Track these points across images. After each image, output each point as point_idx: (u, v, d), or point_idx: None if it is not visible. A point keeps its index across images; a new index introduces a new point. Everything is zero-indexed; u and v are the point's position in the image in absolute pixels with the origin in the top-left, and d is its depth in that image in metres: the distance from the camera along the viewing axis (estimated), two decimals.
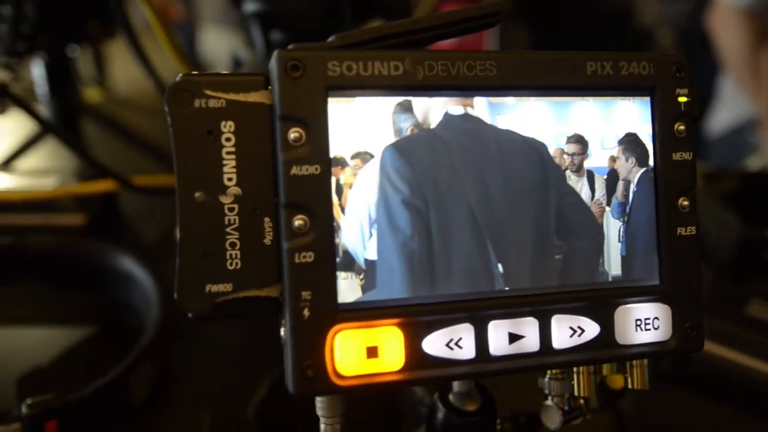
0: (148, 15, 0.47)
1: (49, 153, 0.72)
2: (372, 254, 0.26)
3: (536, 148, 0.27)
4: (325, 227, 0.25)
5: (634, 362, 0.30)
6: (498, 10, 0.28)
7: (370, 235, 0.26)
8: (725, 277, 0.59)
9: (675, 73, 0.29)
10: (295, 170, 0.25)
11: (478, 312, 0.27)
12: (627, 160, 0.29)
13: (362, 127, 0.26)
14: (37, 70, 0.68)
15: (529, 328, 0.27)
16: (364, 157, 0.26)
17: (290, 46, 0.26)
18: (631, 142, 0.29)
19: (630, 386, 0.30)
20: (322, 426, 0.28)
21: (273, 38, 0.53)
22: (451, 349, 0.26)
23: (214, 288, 0.25)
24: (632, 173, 0.29)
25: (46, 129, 0.54)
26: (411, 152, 0.26)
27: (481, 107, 0.27)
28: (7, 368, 0.46)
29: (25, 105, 0.48)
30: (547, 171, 0.28)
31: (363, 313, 0.26)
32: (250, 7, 0.53)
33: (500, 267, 0.27)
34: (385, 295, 0.26)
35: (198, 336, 0.50)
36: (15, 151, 0.62)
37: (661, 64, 0.28)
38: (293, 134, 0.25)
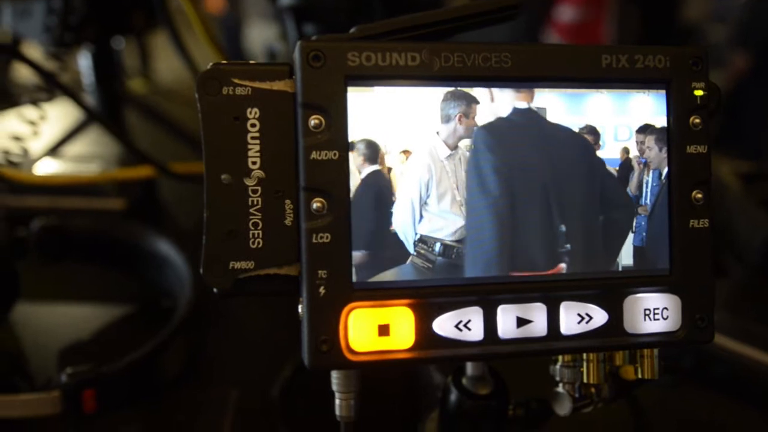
0: (186, 7, 0.49)
1: (94, 140, 0.75)
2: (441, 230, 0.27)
3: (583, 140, 0.28)
4: (341, 210, 0.26)
5: (645, 352, 0.31)
6: (515, 3, 0.29)
7: (421, 217, 0.27)
8: (756, 276, 0.58)
9: (691, 67, 0.29)
10: (314, 155, 0.26)
11: (487, 296, 0.27)
12: (640, 152, 0.29)
13: (408, 116, 0.27)
14: (83, 61, 0.71)
15: (537, 313, 0.28)
16: (405, 149, 0.27)
17: (313, 37, 0.27)
18: (644, 135, 0.29)
19: (639, 376, 0.31)
20: (337, 401, 0.30)
21: (306, 31, 0.55)
22: (460, 330, 0.27)
23: (237, 265, 0.27)
24: (645, 165, 0.29)
25: (90, 117, 0.56)
26: (498, 132, 0.28)
27: (540, 102, 0.28)
28: (50, 340, 0.49)
29: (72, 93, 0.51)
30: (593, 161, 0.29)
31: (376, 292, 0.27)
32: (284, 0, 0.55)
33: (568, 246, 0.28)
34: (479, 255, 0.27)
35: (229, 318, 0.53)
36: (62, 138, 0.66)
37: (677, 58, 0.29)
38: (314, 121, 0.26)
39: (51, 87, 0.51)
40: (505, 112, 0.28)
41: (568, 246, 0.28)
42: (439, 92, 0.27)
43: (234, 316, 0.53)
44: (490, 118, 0.28)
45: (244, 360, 0.49)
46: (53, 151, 0.67)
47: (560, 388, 0.32)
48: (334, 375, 0.29)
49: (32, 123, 0.54)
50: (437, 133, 0.28)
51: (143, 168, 0.59)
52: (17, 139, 0.53)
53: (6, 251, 0.48)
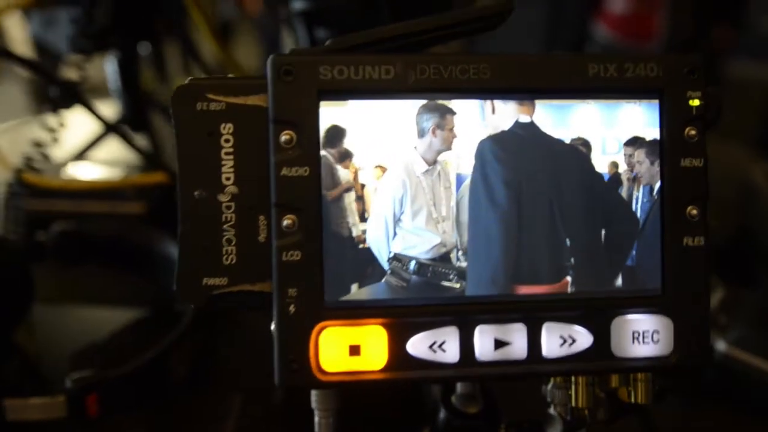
0: (193, 13, 0.49)
1: (120, 145, 0.77)
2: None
3: (581, 154, 0.27)
4: (312, 227, 0.26)
5: (638, 376, 0.29)
6: (501, 11, 0.28)
7: (395, 234, 0.27)
8: None
9: (687, 75, 0.27)
10: (285, 171, 0.26)
11: (465, 316, 0.27)
12: (629, 166, 0.28)
13: (383, 130, 0.27)
14: (110, 67, 0.73)
15: (516, 334, 0.27)
16: (380, 164, 0.27)
17: (288, 51, 0.27)
18: (634, 148, 0.28)
19: (632, 400, 0.29)
20: (315, 419, 0.29)
21: (318, 36, 0.55)
22: (434, 351, 0.26)
23: (211, 281, 0.27)
24: (635, 180, 0.28)
25: (106, 126, 0.58)
26: (504, 144, 0.27)
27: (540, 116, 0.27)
28: (65, 343, 0.50)
29: (87, 103, 0.52)
30: (593, 176, 0.28)
31: (349, 311, 0.26)
32: (296, 5, 0.55)
33: (572, 261, 0.27)
34: (481, 269, 0.27)
35: (238, 324, 0.53)
36: (84, 147, 0.67)
37: (670, 66, 0.27)
38: (284, 137, 0.26)
39: (68, 96, 0.53)
40: (507, 125, 0.27)
41: (573, 260, 0.27)
42: (415, 106, 0.27)
43: (243, 322, 0.53)
44: (491, 131, 0.27)
45: (250, 366, 0.49)
46: (80, 156, 0.69)
47: (552, 410, 0.31)
48: (313, 393, 0.29)
49: (52, 130, 0.55)
50: (415, 147, 0.27)
51: (162, 173, 0.60)
52: (38, 145, 0.55)
53: (23, 255, 0.50)
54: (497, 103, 0.27)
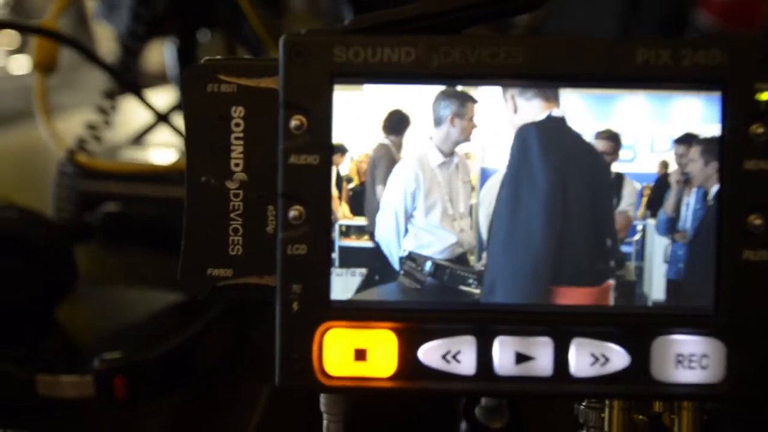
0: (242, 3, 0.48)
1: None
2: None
3: (600, 157, 0.24)
4: (321, 220, 0.24)
5: (684, 404, 0.26)
6: None
7: (406, 231, 0.25)
8: None
9: (757, 64, 0.24)
10: (293, 159, 0.24)
11: (484, 325, 0.24)
12: (683, 166, 0.24)
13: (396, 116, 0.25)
14: (168, 53, 0.74)
15: (541, 349, 0.24)
16: (385, 150, 0.25)
17: (302, 31, 0.25)
18: (687, 146, 0.24)
19: (676, 430, 0.26)
20: (324, 422, 0.28)
21: None
22: (448, 362, 0.24)
23: (215, 272, 0.25)
24: (686, 183, 0.24)
25: (157, 115, 0.58)
26: (545, 132, 0.25)
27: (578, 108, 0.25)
28: (104, 323, 0.51)
29: (136, 90, 0.52)
30: (608, 180, 0.25)
31: (357, 312, 0.24)
32: None
33: (613, 263, 0.25)
34: (513, 269, 0.25)
35: (273, 312, 0.52)
36: (139, 132, 0.68)
37: (738, 53, 0.23)
38: (294, 122, 0.24)
39: (119, 83, 0.53)
40: (540, 117, 0.24)
41: (612, 263, 0.24)
42: (434, 91, 0.24)
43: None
44: (523, 120, 0.24)
45: None
46: (135, 141, 0.70)
47: None
48: (322, 396, 0.27)
49: (104, 113, 0.56)
50: (430, 138, 0.25)
51: None
52: (91, 127, 0.56)
53: (69, 235, 0.51)
54: (519, 100, 0.24)
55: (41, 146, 0.74)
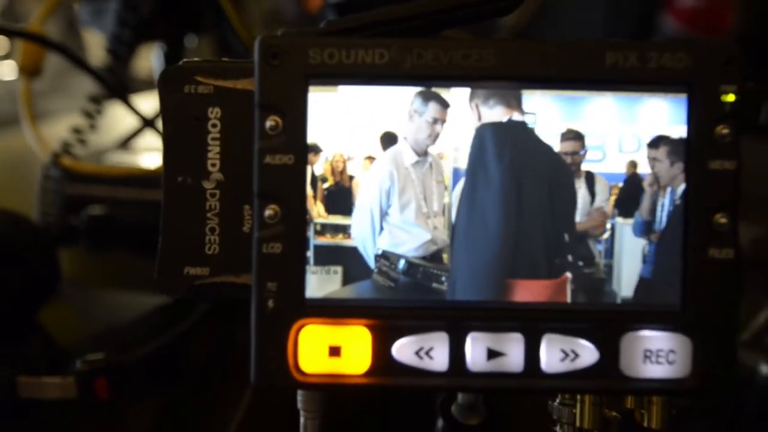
0: (224, 5, 0.49)
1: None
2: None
3: (561, 160, 0.25)
4: (295, 219, 0.25)
5: (653, 398, 0.26)
6: None
7: (381, 229, 0.25)
8: None
9: (721, 67, 0.24)
10: (269, 159, 0.25)
11: (456, 322, 0.25)
12: (652, 166, 0.25)
13: (374, 118, 0.25)
14: (155, 58, 0.74)
15: (512, 345, 0.24)
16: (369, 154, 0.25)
17: (278, 33, 0.25)
18: (658, 146, 0.25)
19: (645, 425, 0.27)
20: (301, 420, 0.28)
21: None
22: (421, 358, 0.24)
23: (192, 271, 0.26)
24: (656, 182, 0.25)
25: (142, 120, 0.58)
26: (503, 132, 0.25)
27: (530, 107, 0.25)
28: (87, 325, 0.51)
29: (121, 94, 0.53)
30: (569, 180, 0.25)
31: (331, 310, 0.25)
32: None
33: (570, 258, 0.25)
34: (473, 262, 0.25)
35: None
36: (124, 137, 0.68)
37: (702, 55, 0.24)
38: (270, 122, 0.25)
39: (105, 87, 0.53)
40: (503, 119, 0.25)
41: (570, 257, 0.25)
42: (409, 93, 0.25)
43: None
44: (482, 122, 0.25)
45: None
46: (121, 145, 0.70)
47: (558, 429, 0.29)
48: (299, 393, 0.28)
49: (90, 117, 0.56)
50: (405, 138, 0.25)
51: None
52: (76, 131, 0.56)
53: (53, 238, 0.51)
54: (482, 108, 0.25)
55: (27, 151, 0.74)
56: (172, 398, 0.44)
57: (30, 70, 0.57)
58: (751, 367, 0.41)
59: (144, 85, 0.95)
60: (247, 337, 0.52)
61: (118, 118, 0.77)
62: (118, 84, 0.57)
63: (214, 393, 0.45)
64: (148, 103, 0.77)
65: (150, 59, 0.85)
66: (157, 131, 0.59)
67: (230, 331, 0.51)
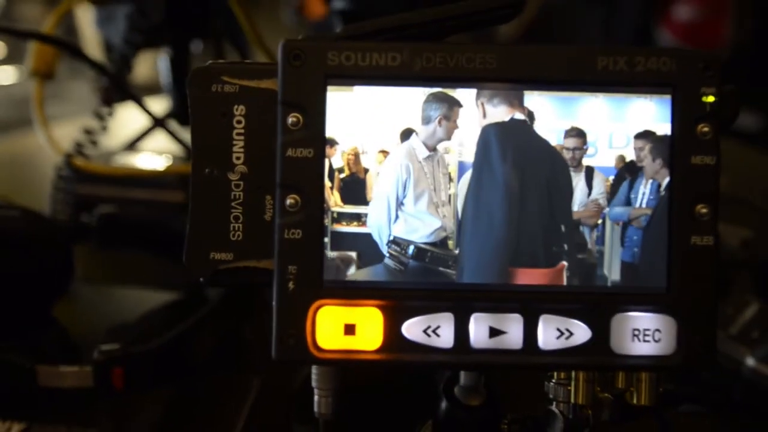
0: (236, 11, 0.51)
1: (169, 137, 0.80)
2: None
3: (558, 156, 0.27)
4: (314, 207, 0.27)
5: (641, 376, 0.29)
6: (513, 3, 0.28)
7: (396, 217, 0.27)
8: None
9: (701, 71, 0.27)
10: (290, 152, 0.27)
11: (461, 303, 0.27)
12: (638, 160, 0.27)
13: (388, 116, 0.27)
14: (162, 63, 0.76)
15: (512, 324, 0.27)
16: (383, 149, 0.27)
17: (300, 37, 0.28)
18: (644, 142, 0.27)
19: (634, 402, 0.29)
20: (315, 397, 0.30)
21: None
22: (429, 336, 0.27)
23: (218, 256, 0.28)
24: (642, 175, 0.27)
25: (156, 122, 0.60)
26: (505, 132, 0.28)
27: (529, 106, 0.28)
28: (100, 319, 0.53)
29: (137, 98, 0.55)
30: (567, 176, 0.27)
31: (346, 291, 0.27)
32: (337, 4, 0.56)
33: (566, 247, 0.27)
34: (478, 252, 0.27)
35: (266, 307, 0.54)
36: (134, 138, 0.70)
37: (684, 61, 0.27)
38: (291, 119, 0.27)
39: (118, 89, 0.55)
40: (505, 119, 0.27)
41: (566, 246, 0.27)
42: (420, 93, 0.27)
43: (270, 307, 0.54)
44: (488, 122, 0.27)
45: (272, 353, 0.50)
46: (130, 146, 0.72)
47: (554, 408, 0.31)
48: (314, 371, 0.30)
49: (101, 118, 0.58)
50: (416, 134, 0.27)
51: None
52: (88, 132, 0.58)
53: (67, 235, 0.53)
54: (487, 106, 0.27)
55: (30, 154, 0.76)
56: (183, 388, 0.46)
57: (43, 73, 0.59)
58: (738, 360, 0.43)
59: (142, 91, 0.98)
60: (254, 332, 0.54)
61: (122, 122, 0.79)
62: (127, 87, 0.59)
63: (223, 383, 0.47)
64: (151, 107, 0.79)
65: (147, 66, 0.87)
66: (167, 132, 0.61)
67: (238, 326, 0.53)
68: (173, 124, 0.69)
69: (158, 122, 0.60)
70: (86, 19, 0.97)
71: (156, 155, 0.73)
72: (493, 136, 0.27)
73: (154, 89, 0.81)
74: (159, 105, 0.82)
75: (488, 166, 0.27)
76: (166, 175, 0.65)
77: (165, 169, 0.65)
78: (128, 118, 0.76)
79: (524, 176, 0.27)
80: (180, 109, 0.77)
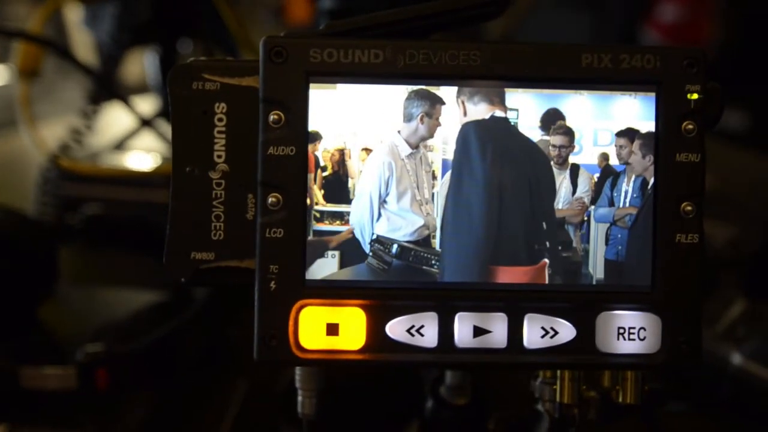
0: (222, 9, 0.51)
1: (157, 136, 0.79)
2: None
3: (541, 153, 0.27)
4: (296, 206, 0.26)
5: (627, 374, 0.28)
6: (497, 0, 0.28)
7: (379, 215, 0.27)
8: None
9: (686, 68, 0.27)
10: (272, 150, 0.26)
11: (445, 302, 0.27)
12: (619, 158, 0.27)
13: (370, 113, 0.27)
14: (149, 62, 0.76)
15: (497, 323, 0.26)
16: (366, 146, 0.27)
17: (281, 33, 0.27)
18: (627, 139, 0.27)
19: (619, 400, 0.29)
20: (299, 397, 0.30)
21: None
22: (412, 335, 0.26)
23: (198, 255, 0.27)
24: (627, 173, 0.27)
25: (140, 121, 0.60)
26: (485, 129, 0.27)
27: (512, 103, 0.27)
28: (85, 320, 0.52)
29: (123, 98, 0.54)
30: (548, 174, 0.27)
31: (328, 291, 0.27)
32: (324, 4, 0.56)
33: (548, 244, 0.27)
34: (459, 249, 0.27)
35: (250, 310, 0.54)
36: (121, 138, 0.70)
37: (669, 58, 0.26)
38: (273, 116, 0.26)
39: (103, 89, 0.55)
40: (485, 116, 0.27)
41: (548, 244, 0.27)
42: (403, 91, 0.27)
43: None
44: (468, 119, 0.27)
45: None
46: (117, 146, 0.71)
47: (540, 407, 0.31)
48: (297, 371, 0.29)
49: (87, 117, 0.58)
50: (398, 131, 0.27)
51: None
52: (74, 132, 0.57)
53: (51, 236, 0.52)
54: (467, 104, 0.27)
55: (16, 154, 0.75)
56: (168, 389, 0.46)
57: (29, 72, 0.58)
58: (724, 357, 0.43)
59: (131, 91, 0.97)
60: (239, 332, 0.53)
61: (109, 121, 0.79)
62: (114, 86, 0.58)
63: (209, 385, 0.47)
64: (139, 106, 0.78)
65: (136, 65, 0.87)
66: (155, 131, 0.60)
67: (224, 327, 0.52)
68: (162, 124, 0.68)
69: (145, 122, 0.60)
70: (75, 19, 0.96)
71: (145, 154, 0.73)
72: (472, 134, 0.27)
73: (145, 88, 0.81)
74: (147, 104, 0.81)
75: (468, 163, 0.27)
76: (153, 175, 0.65)
77: (152, 169, 0.65)
78: (116, 118, 0.76)
79: (504, 174, 0.27)
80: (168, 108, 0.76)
